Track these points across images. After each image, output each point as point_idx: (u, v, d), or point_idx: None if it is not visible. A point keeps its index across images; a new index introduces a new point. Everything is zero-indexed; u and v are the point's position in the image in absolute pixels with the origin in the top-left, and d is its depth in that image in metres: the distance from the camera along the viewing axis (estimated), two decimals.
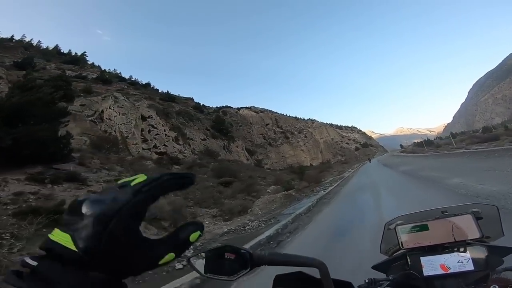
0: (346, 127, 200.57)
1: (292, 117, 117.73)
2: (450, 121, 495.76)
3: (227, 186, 16.01)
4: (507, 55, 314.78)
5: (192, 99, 58.24)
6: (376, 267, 0.92)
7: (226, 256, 0.54)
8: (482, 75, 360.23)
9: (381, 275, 0.89)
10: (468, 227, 0.82)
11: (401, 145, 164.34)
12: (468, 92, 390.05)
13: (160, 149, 31.46)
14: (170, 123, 36.90)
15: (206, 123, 48.15)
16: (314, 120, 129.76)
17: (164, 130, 34.15)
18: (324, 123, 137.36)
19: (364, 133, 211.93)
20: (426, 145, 46.79)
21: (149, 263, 0.33)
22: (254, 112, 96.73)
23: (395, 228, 0.90)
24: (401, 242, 0.86)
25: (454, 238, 0.81)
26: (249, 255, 0.52)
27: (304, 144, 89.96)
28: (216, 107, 79.76)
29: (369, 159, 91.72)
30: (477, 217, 0.89)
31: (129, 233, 0.31)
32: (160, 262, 0.33)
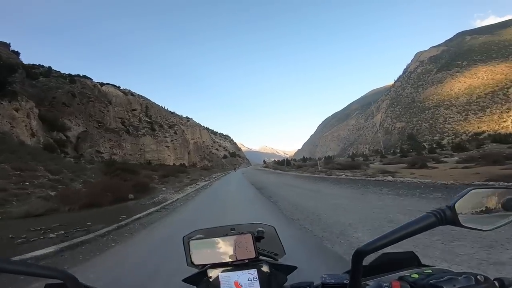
0: (221, 134, 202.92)
1: (167, 110, 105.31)
2: (300, 148, 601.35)
3: None
4: (351, 101, 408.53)
5: (8, 44, 37.57)
6: (186, 280, 0.89)
7: None
8: (330, 114, 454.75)
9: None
10: (248, 247, 0.81)
11: (264, 161, 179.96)
12: (318, 127, 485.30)
13: None
14: None
15: None
16: (190, 118, 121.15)
17: None
18: (199, 124, 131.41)
19: (235, 144, 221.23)
20: (286, 164, 47.83)
21: None
22: (122, 92, 79.13)
23: (189, 242, 0.86)
24: (192, 258, 0.83)
25: (236, 257, 0.80)
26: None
27: (172, 141, 79.72)
28: (68, 74, 58.50)
29: (235, 168, 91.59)
30: (259, 237, 0.91)
31: None
32: None
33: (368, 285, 0.57)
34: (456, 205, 0.48)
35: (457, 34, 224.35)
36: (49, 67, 55.45)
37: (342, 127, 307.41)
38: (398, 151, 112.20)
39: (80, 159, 25.96)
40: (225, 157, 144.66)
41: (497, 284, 0.48)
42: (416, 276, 0.54)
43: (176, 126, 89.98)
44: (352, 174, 18.98)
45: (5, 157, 15.10)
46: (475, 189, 0.51)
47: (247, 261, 0.82)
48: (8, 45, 37.19)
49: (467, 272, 0.50)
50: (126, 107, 73.95)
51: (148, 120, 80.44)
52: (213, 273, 0.84)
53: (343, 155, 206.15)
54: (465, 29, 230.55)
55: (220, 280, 0.81)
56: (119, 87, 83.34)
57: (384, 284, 0.53)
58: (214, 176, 32.00)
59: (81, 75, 65.54)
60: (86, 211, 9.33)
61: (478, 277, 0.48)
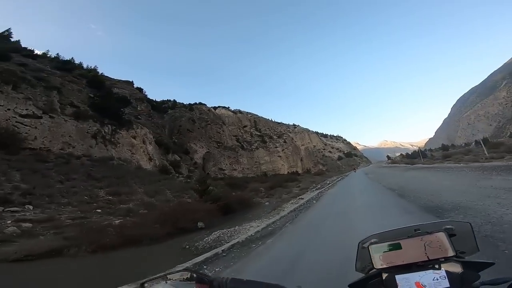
0: (331, 136, 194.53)
1: (274, 121, 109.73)
2: (432, 136, 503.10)
3: None
4: (492, 71, 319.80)
5: (131, 82, 44.42)
6: (352, 285, 0.88)
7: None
8: (466, 91, 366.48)
9: None
10: (441, 245, 0.80)
11: (388, 156, 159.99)
12: (451, 108, 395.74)
13: None
14: None
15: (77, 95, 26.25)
16: (296, 125, 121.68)
17: None
18: (307, 129, 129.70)
19: (349, 143, 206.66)
20: (422, 156, 39.12)
21: None
22: (232, 112, 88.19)
23: (368, 247, 0.86)
24: (374, 262, 0.83)
25: (427, 256, 0.79)
26: (209, 283, 0.52)
27: (283, 150, 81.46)
28: (188, 103, 70.11)
29: (354, 169, 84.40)
30: (450, 234, 0.87)
31: None
32: None
33: None
34: None
35: None
36: (174, 100, 67.09)
37: (489, 102, 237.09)
38: None
39: (189, 178, 28.34)
40: (339, 158, 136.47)
41: None
42: None
43: (284, 135, 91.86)
44: None
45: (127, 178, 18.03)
46: None
47: (443, 259, 0.79)
48: (132, 83, 44.30)
49: None
50: (237, 125, 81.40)
51: (258, 133, 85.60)
52: (388, 277, 0.80)
53: (500, 135, 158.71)
54: None
55: (397, 282, 0.78)
56: (228, 107, 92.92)
57: None
58: (328, 182, 25.92)
59: (198, 102, 75.91)
60: (101, 255, 7.03)
61: None
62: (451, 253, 0.78)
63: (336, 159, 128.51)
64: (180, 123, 49.81)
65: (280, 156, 78.72)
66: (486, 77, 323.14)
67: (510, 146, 21.72)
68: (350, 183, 21.28)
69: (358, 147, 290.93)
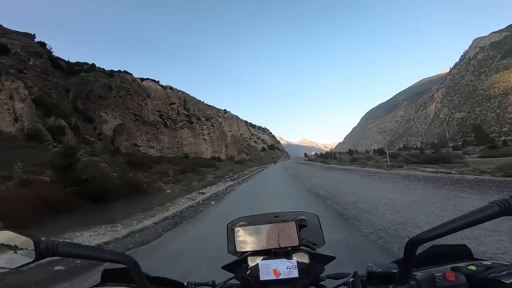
0: (259, 127, 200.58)
1: (205, 103, 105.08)
2: (341, 140, 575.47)
3: None
4: (398, 92, 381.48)
5: (32, 35, 37.22)
6: (225, 267, 0.90)
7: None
8: (375, 105, 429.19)
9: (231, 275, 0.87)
10: (291, 234, 0.82)
11: (305, 154, 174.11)
12: (361, 119, 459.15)
13: None
14: None
15: None
16: (227, 111, 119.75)
17: None
18: (237, 117, 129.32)
19: (273, 137, 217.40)
20: (332, 157, 42.50)
21: None
22: (161, 87, 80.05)
23: (234, 229, 0.88)
24: (236, 245, 0.85)
25: (279, 244, 0.82)
26: (37, 244, 0.47)
27: (209, 133, 78.69)
28: (110, 70, 59.34)
29: (275, 162, 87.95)
30: (302, 225, 0.91)
31: None
32: None
33: (416, 275, 0.54)
34: None
35: None
36: (93, 64, 56.70)
37: (389, 118, 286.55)
38: (460, 143, 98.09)
39: (75, 150, 22.63)
40: (263, 150, 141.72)
41: None
42: (473, 268, 0.51)
43: (213, 118, 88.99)
44: (445, 170, 13.72)
45: None
46: None
47: (289, 248, 0.82)
48: (33, 36, 37.21)
49: None
50: (164, 101, 74.40)
51: (186, 113, 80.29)
52: (252, 261, 0.83)
53: (390, 148, 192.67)
54: None
55: (259, 267, 0.81)
56: (158, 81, 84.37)
57: (437, 274, 0.51)
58: (246, 173, 24.02)
59: (122, 70, 66.30)
60: None
61: None
62: (296, 242, 0.81)
63: (259, 150, 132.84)
64: (91, 88, 41.73)
65: (205, 139, 75.94)
66: (392, 96, 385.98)
67: (406, 158, 24.94)
68: (268, 178, 19.15)
69: (281, 141, 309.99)
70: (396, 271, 0.55)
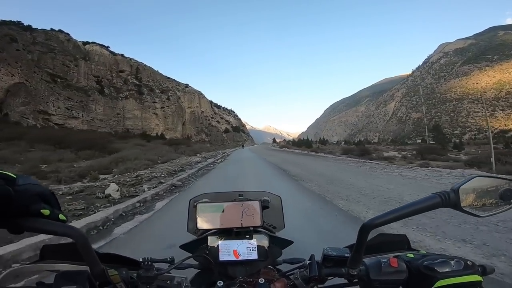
0: (225, 109, 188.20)
1: (163, 75, 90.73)
2: (304, 130, 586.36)
3: None
4: (361, 88, 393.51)
5: None
6: (184, 247, 0.86)
7: None
8: (339, 99, 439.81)
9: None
10: (254, 214, 0.80)
11: (274, 139, 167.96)
12: (324, 111, 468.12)
13: None
14: None
15: None
16: (188, 85, 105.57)
17: None
18: (200, 92, 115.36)
19: (239, 120, 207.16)
20: (298, 145, 34.81)
21: None
22: (110, 53, 65.09)
23: (196, 206, 0.83)
24: (198, 221, 0.81)
25: (241, 223, 0.80)
26: None
27: (162, 107, 66.55)
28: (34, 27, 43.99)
29: (243, 145, 79.20)
30: (265, 206, 0.88)
31: None
32: None
33: (365, 261, 0.58)
34: (460, 189, 0.49)
35: (488, 28, 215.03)
36: (19, 21, 41.33)
37: (351, 113, 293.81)
38: (417, 141, 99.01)
39: None
40: (226, 131, 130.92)
41: (480, 270, 0.51)
42: (411, 255, 0.56)
43: (170, 91, 76.33)
44: None
45: None
46: (479, 176, 0.52)
47: (251, 228, 0.80)
48: None
49: (457, 257, 0.52)
50: (110, 67, 60.53)
51: (137, 82, 66.87)
52: (212, 241, 0.80)
53: (350, 141, 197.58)
54: (496, 25, 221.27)
55: (219, 247, 0.79)
56: (108, 47, 69.13)
57: (383, 260, 0.55)
58: (188, 172, 10.95)
59: (56, 29, 51.41)
60: None
61: (468, 262, 0.51)
62: (259, 223, 0.79)
63: (222, 131, 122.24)
64: None
65: (157, 114, 63.92)
66: (355, 92, 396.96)
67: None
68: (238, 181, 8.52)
69: (247, 126, 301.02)
70: (348, 255, 0.58)
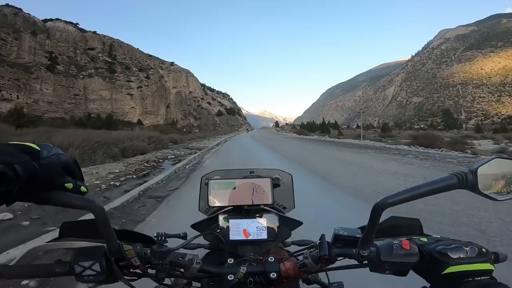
0: (219, 92, 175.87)
1: (144, 52, 78.78)
2: (300, 115, 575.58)
3: None
4: (358, 73, 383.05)
5: None
6: (194, 226, 0.83)
7: None
8: (335, 84, 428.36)
9: None
10: (265, 192, 0.79)
11: (276, 122, 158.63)
12: (321, 95, 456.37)
13: None
14: None
15: None
16: (174, 63, 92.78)
17: None
18: (188, 70, 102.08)
19: (235, 103, 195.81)
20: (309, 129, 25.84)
21: None
22: (78, 29, 53.68)
23: (208, 183, 0.82)
24: (209, 199, 0.80)
25: (252, 201, 0.78)
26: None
27: (139, 87, 56.02)
28: None
29: (247, 129, 70.12)
30: (275, 184, 0.86)
31: None
32: None
33: (376, 243, 0.56)
34: (479, 171, 0.46)
35: (490, 16, 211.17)
36: None
37: (348, 97, 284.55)
38: (421, 126, 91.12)
39: None
40: (219, 114, 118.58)
41: (493, 257, 0.49)
42: (424, 239, 0.54)
43: (152, 70, 65.41)
44: None
45: None
46: (498, 158, 0.50)
47: (262, 206, 0.79)
48: None
49: (472, 243, 0.50)
50: (76, 44, 49.73)
51: (109, 60, 55.97)
52: (223, 220, 0.79)
53: (349, 125, 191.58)
54: (499, 13, 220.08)
55: (230, 226, 0.78)
56: (77, 24, 57.74)
57: (394, 242, 0.53)
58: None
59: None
60: None
61: (482, 249, 0.49)
62: (269, 201, 0.78)
63: (214, 114, 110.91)
64: None
65: (132, 95, 53.62)
66: (352, 76, 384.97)
67: None
68: None
69: (242, 111, 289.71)
70: (360, 236, 0.57)
